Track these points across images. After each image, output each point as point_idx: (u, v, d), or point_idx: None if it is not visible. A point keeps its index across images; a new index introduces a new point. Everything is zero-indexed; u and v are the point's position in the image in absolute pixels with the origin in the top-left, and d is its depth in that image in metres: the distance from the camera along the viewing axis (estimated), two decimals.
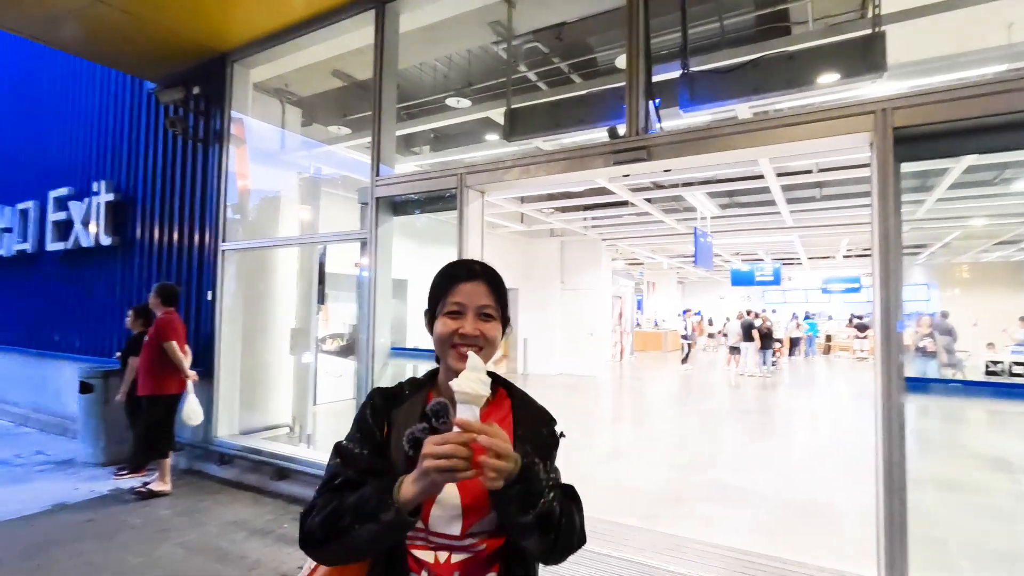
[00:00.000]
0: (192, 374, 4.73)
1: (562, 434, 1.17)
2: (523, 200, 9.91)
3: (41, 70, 7.84)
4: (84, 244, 6.64)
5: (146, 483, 4.61)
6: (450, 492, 0.99)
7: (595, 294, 13.73)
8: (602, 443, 7.08)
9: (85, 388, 5.42)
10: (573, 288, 13.79)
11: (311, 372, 6.14)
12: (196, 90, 5.60)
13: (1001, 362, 2.58)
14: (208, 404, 5.27)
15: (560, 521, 0.99)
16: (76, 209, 6.74)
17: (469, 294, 1.07)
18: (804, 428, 8.38)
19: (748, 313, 14.46)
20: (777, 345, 15.27)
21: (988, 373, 2.55)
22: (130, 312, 5.17)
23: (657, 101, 3.37)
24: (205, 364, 5.27)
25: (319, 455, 4.70)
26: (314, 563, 1.09)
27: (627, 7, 3.42)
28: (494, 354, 1.09)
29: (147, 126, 6.26)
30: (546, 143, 5.84)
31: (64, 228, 6.97)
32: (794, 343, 19.21)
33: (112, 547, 3.56)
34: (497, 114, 6.08)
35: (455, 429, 0.88)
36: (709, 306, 26.18)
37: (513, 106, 4.35)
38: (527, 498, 0.94)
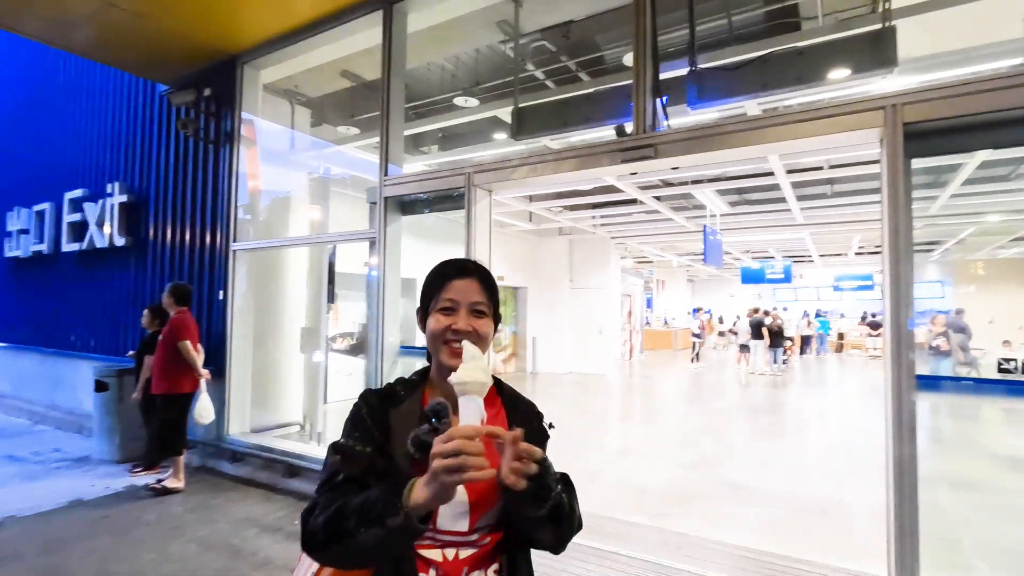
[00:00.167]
0: (205, 373, 4.79)
1: (551, 425, 1.19)
2: (531, 199, 9.91)
3: (56, 74, 7.97)
4: (99, 245, 6.74)
5: (160, 480, 4.68)
6: (458, 488, 1.00)
7: (604, 292, 13.70)
8: (611, 441, 7.07)
9: (100, 387, 5.51)
10: (582, 286, 13.76)
11: (321, 371, 6.19)
12: (207, 92, 5.67)
13: (1014, 359, 2.55)
14: (220, 402, 5.34)
15: (567, 511, 1.02)
16: (91, 210, 6.85)
17: (462, 291, 1.07)
18: (814, 426, 8.31)
19: (757, 311, 14.34)
20: (788, 343, 15.15)
21: (1001, 371, 2.52)
22: (146, 311, 5.24)
23: (664, 99, 3.37)
24: (217, 363, 5.34)
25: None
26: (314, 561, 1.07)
27: (634, 4, 3.41)
28: (487, 351, 1.09)
29: (159, 128, 6.35)
30: (554, 142, 5.84)
31: (79, 229, 7.08)
32: (805, 341, 19.05)
33: (127, 543, 3.62)
34: (505, 113, 6.09)
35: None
36: (719, 304, 26.02)
37: (520, 105, 4.36)
38: (540, 492, 0.95)
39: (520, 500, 0.95)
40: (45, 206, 7.64)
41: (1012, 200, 8.98)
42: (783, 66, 3.40)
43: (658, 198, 9.44)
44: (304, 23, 4.88)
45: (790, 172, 7.48)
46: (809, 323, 19.27)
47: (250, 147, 5.67)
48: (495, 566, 1.06)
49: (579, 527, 1.10)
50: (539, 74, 5.74)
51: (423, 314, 1.12)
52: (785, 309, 19.75)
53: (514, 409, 1.17)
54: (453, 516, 1.01)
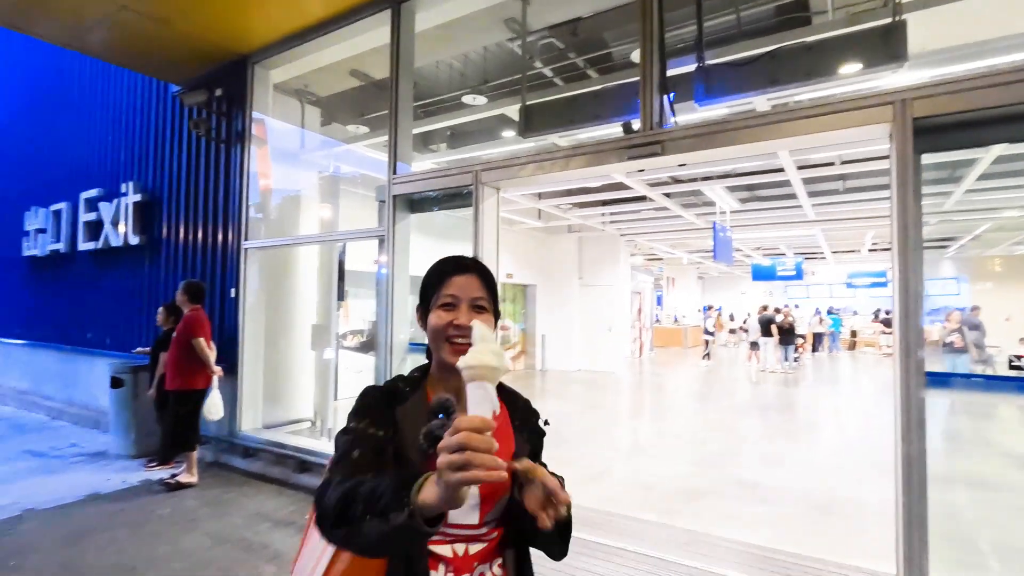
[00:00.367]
0: (217, 370, 4.86)
1: (546, 422, 1.21)
2: (541, 196, 9.91)
3: (72, 75, 8.09)
4: (114, 244, 6.85)
5: (174, 475, 4.75)
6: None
7: (614, 290, 13.66)
8: (620, 438, 7.07)
9: (116, 383, 5.61)
10: (591, 284, 13.74)
11: (332, 367, 6.26)
12: (219, 92, 5.73)
13: None
14: (232, 399, 5.42)
15: (570, 523, 1.01)
16: (106, 210, 6.96)
17: (462, 287, 1.07)
18: (824, 424, 8.25)
19: (766, 308, 14.24)
20: (800, 341, 15.02)
21: (1012, 367, 2.50)
22: (161, 309, 5.32)
23: (671, 95, 3.36)
24: (229, 360, 5.41)
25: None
26: (312, 550, 1.05)
27: (640, 1, 3.40)
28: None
29: (172, 128, 6.43)
30: (562, 139, 5.84)
31: (95, 228, 7.20)
32: (818, 339, 18.88)
33: (143, 535, 3.69)
34: (513, 111, 6.09)
35: None
36: (730, 302, 25.85)
37: (528, 102, 4.36)
38: (564, 532, 0.98)
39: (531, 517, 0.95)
40: (62, 206, 7.77)
41: None
42: (792, 61, 3.37)
43: (668, 195, 9.39)
44: (314, 23, 4.92)
45: (801, 168, 7.41)
46: (821, 320, 19.09)
47: (261, 146, 5.73)
48: (499, 560, 1.06)
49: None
50: (547, 71, 5.74)
51: (423, 311, 1.12)
52: (796, 307, 19.58)
53: (514, 406, 1.17)
54: (465, 509, 0.98)
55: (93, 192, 7.25)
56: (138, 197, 6.55)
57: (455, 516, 0.98)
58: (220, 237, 5.76)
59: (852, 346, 20.88)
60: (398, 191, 4.39)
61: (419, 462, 0.94)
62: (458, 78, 6.11)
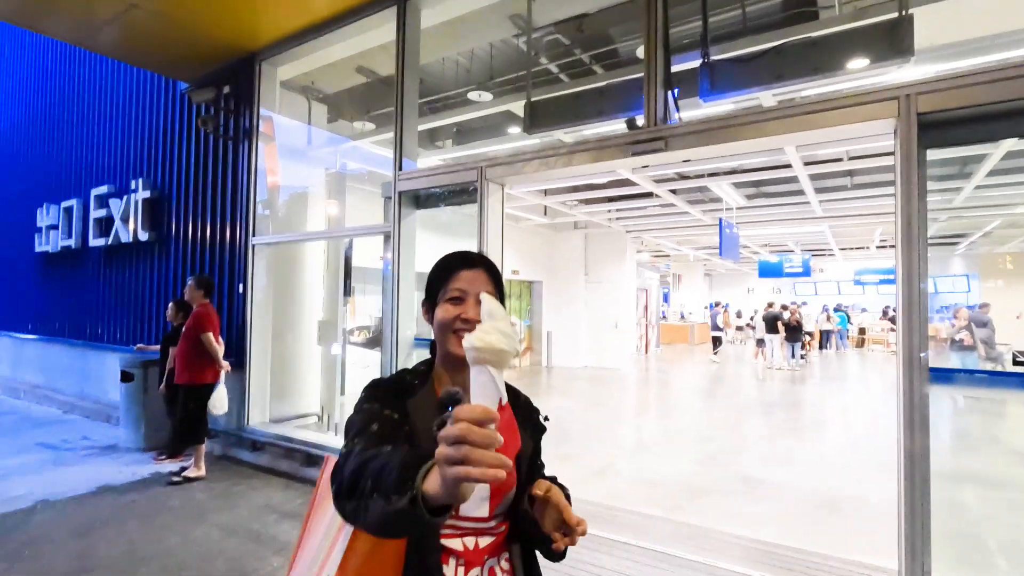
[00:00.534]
0: (225, 364, 4.91)
1: (546, 418, 1.22)
2: (546, 193, 9.91)
3: (82, 73, 8.18)
4: (124, 240, 6.93)
5: (183, 468, 4.82)
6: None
7: (620, 287, 13.65)
8: (625, 435, 7.08)
9: (126, 377, 5.68)
10: (597, 281, 13.73)
11: (339, 363, 6.31)
12: (226, 89, 5.78)
13: None
14: (240, 393, 5.48)
15: None
16: (116, 206, 7.04)
17: (470, 280, 1.07)
18: (830, 421, 8.22)
19: (772, 305, 14.19)
20: (807, 338, 14.95)
21: (1016, 363, 2.49)
22: (171, 304, 5.38)
23: (676, 91, 3.36)
24: (237, 355, 5.47)
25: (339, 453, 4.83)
26: (327, 551, 1.03)
27: None
28: None
29: (180, 125, 6.49)
30: (567, 135, 5.84)
31: (105, 224, 7.29)
32: (825, 336, 18.78)
33: (153, 527, 3.75)
34: (518, 107, 6.10)
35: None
36: (738, 299, 25.75)
37: (533, 99, 4.37)
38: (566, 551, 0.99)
39: (537, 527, 0.98)
40: (72, 202, 7.87)
41: None
42: (797, 56, 3.35)
43: (674, 191, 9.37)
44: (320, 20, 4.95)
45: (808, 164, 7.37)
46: (828, 317, 18.99)
47: (268, 143, 5.77)
48: (506, 554, 1.07)
49: None
50: (553, 68, 5.74)
51: (430, 306, 1.11)
52: (804, 304, 19.47)
53: (516, 401, 1.17)
54: (475, 501, 0.97)
55: (103, 189, 7.34)
56: (147, 194, 6.62)
57: (466, 509, 0.98)
58: (228, 233, 5.81)
59: (860, 343, 20.75)
60: (404, 187, 4.42)
61: (431, 450, 0.92)
62: (464, 74, 6.12)
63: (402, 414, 1.00)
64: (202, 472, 4.77)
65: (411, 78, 4.59)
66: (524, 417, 1.16)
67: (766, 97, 4.82)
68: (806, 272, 16.18)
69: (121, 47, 5.50)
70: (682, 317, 23.14)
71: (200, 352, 4.74)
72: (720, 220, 9.63)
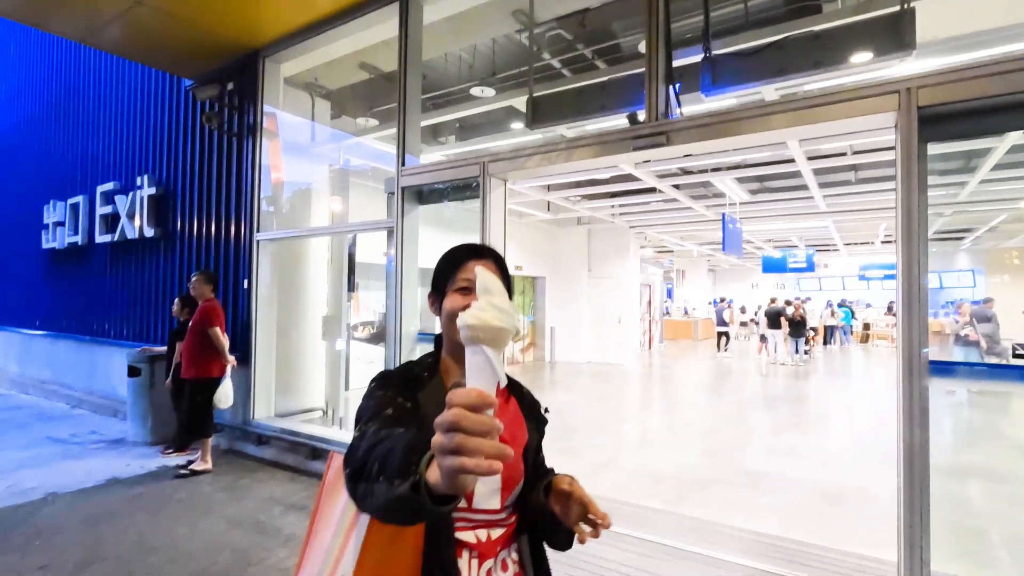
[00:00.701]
0: (231, 359, 4.96)
1: (547, 410, 1.24)
2: (549, 188, 9.91)
3: (87, 71, 8.23)
4: (129, 236, 6.99)
5: (190, 461, 4.88)
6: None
7: (623, 282, 13.65)
8: (629, 429, 7.11)
9: (133, 372, 5.74)
10: (601, 276, 13.73)
11: (343, 358, 6.36)
12: (230, 86, 5.82)
13: None
14: (245, 388, 5.53)
15: None
16: (122, 203, 7.09)
17: (479, 272, 1.10)
18: (833, 416, 8.22)
19: (775, 301, 14.16)
20: (811, 333, 14.92)
21: (1015, 356, 2.51)
22: (177, 300, 5.43)
23: (677, 86, 3.37)
24: (242, 349, 5.52)
25: (352, 437, 4.88)
26: (341, 551, 1.01)
27: None
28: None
29: (185, 122, 6.53)
30: (569, 130, 5.85)
31: (111, 221, 7.35)
32: (829, 331, 18.73)
33: (161, 519, 3.81)
34: (521, 102, 6.11)
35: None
36: (741, 294, 25.70)
37: (536, 94, 4.38)
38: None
39: (550, 518, 1.00)
40: (79, 199, 7.93)
41: None
42: (799, 51, 3.35)
43: (677, 186, 9.35)
44: (323, 16, 4.97)
45: (811, 159, 7.35)
46: (832, 313, 18.94)
47: (272, 139, 5.81)
48: (515, 546, 1.08)
49: None
50: (555, 63, 5.74)
51: (436, 297, 1.12)
52: (808, 299, 19.42)
53: (520, 394, 1.18)
54: (488, 494, 0.96)
55: (109, 186, 7.39)
56: (153, 190, 6.67)
57: (481, 501, 0.97)
58: (233, 229, 5.86)
59: (865, 339, 20.68)
60: (406, 183, 4.44)
61: None
62: (466, 70, 6.13)
63: (415, 403, 1.00)
64: (208, 465, 4.82)
65: (414, 74, 4.61)
66: (528, 409, 1.17)
67: (768, 91, 4.82)
68: (810, 267, 16.11)
69: (126, 44, 5.54)
70: (686, 313, 23.11)
71: (206, 346, 4.79)
72: (723, 215, 9.61)
